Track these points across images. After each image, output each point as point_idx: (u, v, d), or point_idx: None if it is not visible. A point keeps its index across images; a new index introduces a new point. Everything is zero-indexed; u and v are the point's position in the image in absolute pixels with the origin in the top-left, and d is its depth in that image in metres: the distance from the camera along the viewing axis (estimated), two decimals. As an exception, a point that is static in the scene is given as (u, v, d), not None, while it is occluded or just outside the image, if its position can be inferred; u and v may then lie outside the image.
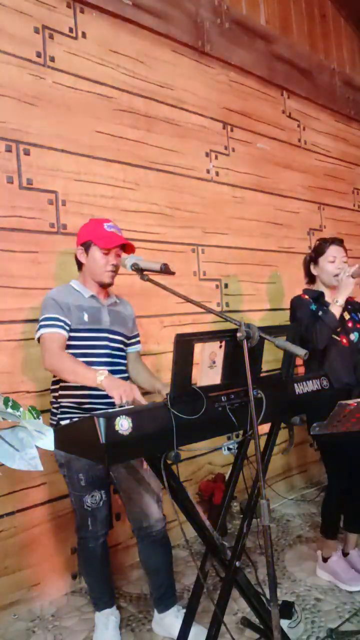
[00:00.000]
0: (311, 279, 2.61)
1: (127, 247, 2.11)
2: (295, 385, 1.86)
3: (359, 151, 4.73)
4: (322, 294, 2.49)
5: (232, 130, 3.59)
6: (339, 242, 2.52)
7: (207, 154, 3.41)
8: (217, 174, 3.46)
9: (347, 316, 2.50)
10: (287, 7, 4.20)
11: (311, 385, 1.91)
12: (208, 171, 3.41)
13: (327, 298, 2.48)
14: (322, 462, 2.63)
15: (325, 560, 2.54)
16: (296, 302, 2.52)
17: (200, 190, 3.34)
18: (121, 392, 1.70)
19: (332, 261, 2.46)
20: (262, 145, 3.80)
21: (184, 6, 3.29)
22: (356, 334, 2.50)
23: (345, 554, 2.59)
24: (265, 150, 3.83)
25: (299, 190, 4.06)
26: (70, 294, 2.09)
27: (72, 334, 2.03)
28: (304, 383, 1.89)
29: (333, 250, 2.47)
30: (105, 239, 2.05)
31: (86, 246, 2.09)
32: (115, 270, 2.10)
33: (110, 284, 2.13)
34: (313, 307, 2.45)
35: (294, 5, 4.26)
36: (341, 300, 2.36)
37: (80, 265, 2.15)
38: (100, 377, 1.78)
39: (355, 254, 4.46)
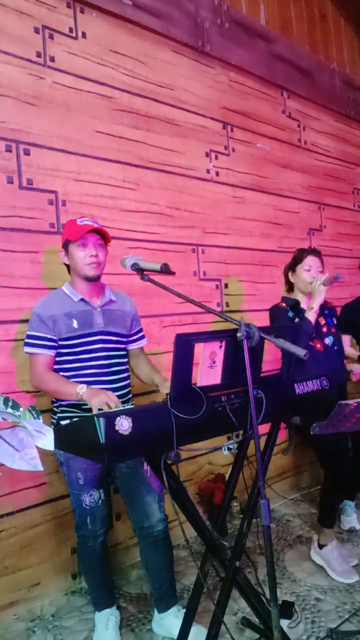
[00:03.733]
0: (290, 286, 2.78)
1: (106, 238, 2.09)
2: (295, 385, 1.86)
3: (359, 151, 4.74)
4: (298, 302, 2.66)
5: (232, 130, 3.59)
6: (316, 253, 2.72)
7: (207, 154, 3.41)
8: (217, 174, 3.46)
9: (322, 321, 2.69)
10: (287, 7, 4.20)
11: (311, 385, 1.91)
12: (208, 171, 3.41)
13: (303, 305, 2.65)
14: (315, 455, 2.75)
15: (320, 547, 2.61)
16: (275, 311, 2.69)
17: (200, 190, 3.34)
18: (96, 401, 1.75)
19: (307, 270, 2.65)
20: (262, 145, 3.80)
21: (184, 6, 3.29)
22: (331, 337, 2.69)
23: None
24: (265, 150, 3.83)
25: (299, 190, 4.06)
26: (58, 301, 2.07)
27: (63, 342, 2.03)
28: (304, 383, 1.89)
29: (309, 260, 2.66)
30: (77, 232, 2.03)
31: (66, 247, 2.09)
32: (97, 262, 2.05)
33: (95, 277, 2.07)
34: (290, 314, 2.63)
35: (294, 5, 4.26)
36: (315, 306, 2.55)
37: (68, 268, 2.14)
38: (80, 391, 1.86)
39: (355, 253, 4.47)
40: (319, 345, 2.62)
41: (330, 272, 2.63)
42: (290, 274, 2.74)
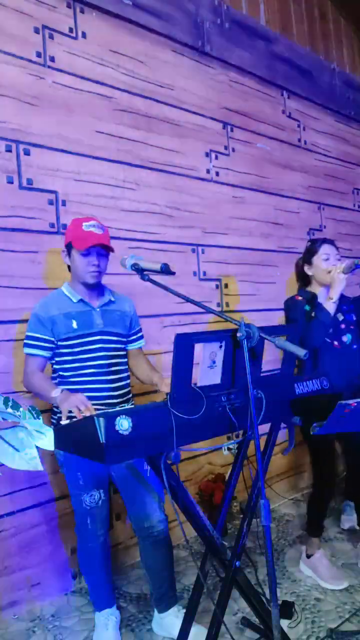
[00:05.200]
0: (304, 281, 2.61)
1: (110, 249, 2.08)
2: (295, 385, 1.86)
3: (359, 151, 4.74)
4: (315, 296, 2.49)
5: (232, 130, 3.59)
6: (330, 241, 2.56)
7: (207, 154, 3.41)
8: (217, 174, 3.46)
9: (340, 317, 2.51)
10: (287, 7, 4.20)
11: (311, 385, 1.91)
12: (208, 171, 3.41)
13: (320, 299, 2.47)
14: (310, 463, 2.70)
15: (308, 556, 2.59)
16: (289, 303, 2.53)
17: (200, 190, 3.34)
18: (66, 404, 1.76)
19: (326, 258, 2.48)
20: (262, 145, 3.80)
21: (184, 6, 3.30)
22: (349, 335, 2.51)
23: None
24: (265, 150, 3.83)
25: (299, 190, 4.06)
26: (58, 302, 2.07)
27: (63, 343, 2.03)
28: (304, 383, 1.89)
29: (326, 249, 2.50)
30: (81, 240, 2.01)
31: (68, 248, 2.08)
32: (98, 270, 2.05)
33: (95, 285, 2.09)
34: (307, 307, 2.45)
35: (294, 5, 4.26)
36: (335, 296, 2.37)
37: (68, 267, 2.14)
38: (55, 394, 1.87)
39: (355, 254, 4.46)
40: (336, 343, 2.47)
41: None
42: (306, 268, 2.55)
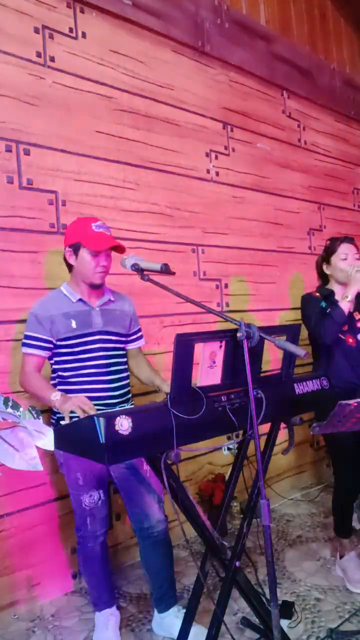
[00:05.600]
0: (324, 280, 2.61)
1: (117, 247, 2.07)
2: (295, 385, 1.86)
3: (359, 151, 4.74)
4: (332, 292, 2.49)
5: (232, 130, 3.59)
6: (350, 240, 2.54)
7: (207, 154, 3.41)
8: (217, 174, 3.46)
9: (357, 316, 2.50)
10: (287, 7, 4.20)
11: (311, 385, 1.92)
12: (208, 171, 3.41)
13: (338, 297, 2.47)
14: (330, 461, 2.65)
15: (341, 557, 2.56)
16: (306, 299, 2.54)
17: (200, 190, 3.34)
18: (68, 405, 1.77)
19: (344, 258, 2.47)
20: (262, 145, 3.80)
21: (184, 6, 3.29)
22: None
23: None
24: (265, 150, 3.83)
25: (299, 190, 4.06)
26: (57, 302, 2.06)
27: (62, 343, 2.03)
28: (304, 383, 1.89)
29: (344, 248, 2.49)
30: (95, 241, 1.99)
31: (75, 248, 2.04)
32: (105, 271, 2.06)
33: (101, 285, 2.09)
34: (323, 304, 2.45)
35: (294, 5, 4.26)
36: (350, 295, 2.36)
37: (69, 266, 2.10)
38: (53, 398, 1.88)
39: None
40: (350, 340, 2.45)
41: None
42: (324, 267, 2.56)
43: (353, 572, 2.47)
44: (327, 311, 2.39)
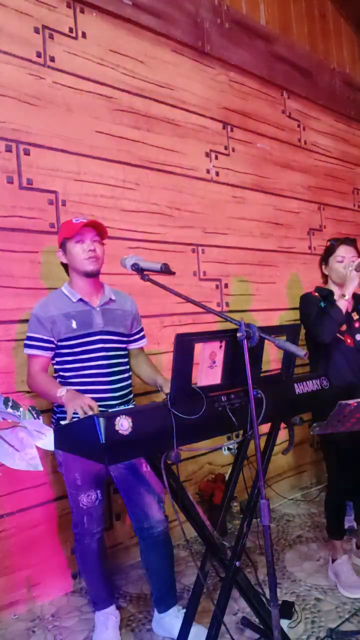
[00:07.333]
0: (326, 279, 2.63)
1: (103, 233, 2.09)
2: (295, 385, 1.86)
3: (359, 151, 4.74)
4: (331, 292, 2.50)
5: (232, 130, 3.59)
6: (349, 242, 2.54)
7: (207, 154, 3.41)
8: (217, 174, 3.46)
9: (355, 316, 2.51)
10: (287, 7, 4.20)
11: (311, 385, 1.91)
12: (208, 171, 3.41)
13: (336, 297, 2.48)
14: (324, 461, 2.66)
15: (333, 561, 2.53)
16: (304, 299, 2.55)
17: (200, 190, 3.34)
18: (71, 405, 1.77)
19: (340, 261, 2.48)
20: (262, 145, 3.80)
21: (184, 6, 3.30)
22: None
23: (358, 547, 2.65)
24: (265, 150, 3.83)
25: (299, 190, 4.06)
26: (57, 302, 2.07)
27: (63, 343, 2.04)
28: (304, 383, 1.89)
29: (342, 250, 2.49)
30: (73, 228, 2.04)
31: (63, 246, 2.09)
32: (95, 256, 2.05)
33: (95, 272, 2.07)
34: (322, 304, 2.46)
35: (294, 5, 4.26)
36: (348, 294, 2.37)
37: (65, 266, 2.14)
38: (60, 393, 1.88)
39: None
40: (349, 341, 2.46)
41: None
42: (323, 267, 2.57)
43: (346, 576, 2.44)
44: (326, 310, 2.40)
